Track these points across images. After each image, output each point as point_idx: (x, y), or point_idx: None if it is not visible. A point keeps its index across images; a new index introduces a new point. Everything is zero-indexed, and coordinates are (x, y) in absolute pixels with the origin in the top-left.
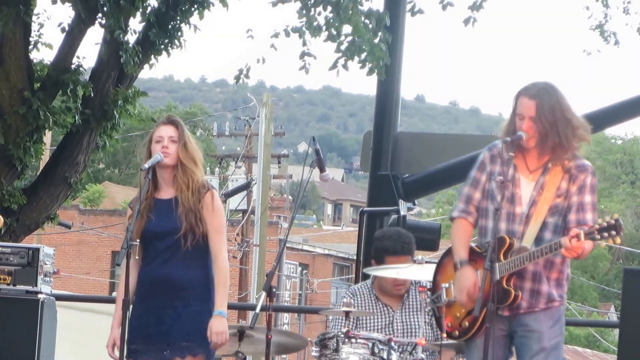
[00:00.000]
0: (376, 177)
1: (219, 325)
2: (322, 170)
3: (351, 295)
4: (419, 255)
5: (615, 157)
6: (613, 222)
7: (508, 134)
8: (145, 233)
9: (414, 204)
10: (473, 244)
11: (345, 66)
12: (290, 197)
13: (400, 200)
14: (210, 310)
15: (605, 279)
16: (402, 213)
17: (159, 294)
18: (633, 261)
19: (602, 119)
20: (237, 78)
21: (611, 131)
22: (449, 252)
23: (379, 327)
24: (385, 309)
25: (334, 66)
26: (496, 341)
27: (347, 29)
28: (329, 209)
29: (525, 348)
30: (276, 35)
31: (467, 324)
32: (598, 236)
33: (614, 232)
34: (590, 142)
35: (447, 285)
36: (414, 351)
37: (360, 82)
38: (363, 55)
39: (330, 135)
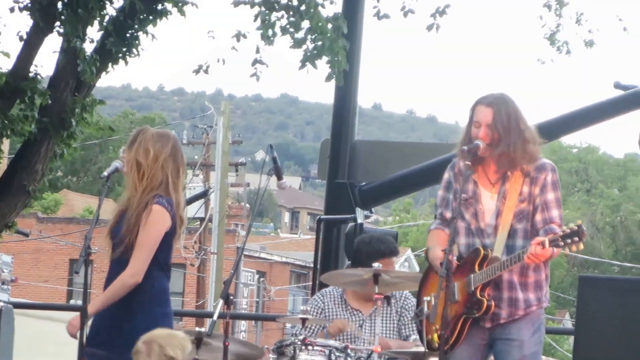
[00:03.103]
0: (333, 185)
1: (75, 318)
2: (279, 178)
3: (321, 296)
4: (376, 263)
5: (570, 165)
6: (576, 228)
7: (464, 144)
8: (109, 235)
9: (371, 212)
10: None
11: (314, 64)
12: (247, 205)
13: (357, 208)
14: (167, 313)
15: (561, 287)
16: (359, 221)
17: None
18: (588, 269)
19: (556, 127)
20: (197, 71)
21: (566, 139)
22: (431, 268)
23: (347, 331)
24: (354, 312)
25: (303, 65)
26: (477, 350)
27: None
28: (286, 217)
29: (506, 355)
30: (237, 37)
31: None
32: (562, 243)
33: (576, 239)
34: (538, 157)
35: (428, 298)
36: (369, 358)
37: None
38: (325, 58)
39: (288, 144)
